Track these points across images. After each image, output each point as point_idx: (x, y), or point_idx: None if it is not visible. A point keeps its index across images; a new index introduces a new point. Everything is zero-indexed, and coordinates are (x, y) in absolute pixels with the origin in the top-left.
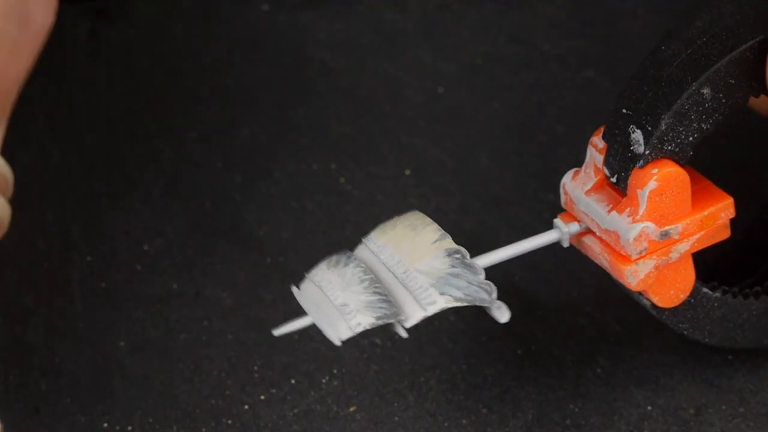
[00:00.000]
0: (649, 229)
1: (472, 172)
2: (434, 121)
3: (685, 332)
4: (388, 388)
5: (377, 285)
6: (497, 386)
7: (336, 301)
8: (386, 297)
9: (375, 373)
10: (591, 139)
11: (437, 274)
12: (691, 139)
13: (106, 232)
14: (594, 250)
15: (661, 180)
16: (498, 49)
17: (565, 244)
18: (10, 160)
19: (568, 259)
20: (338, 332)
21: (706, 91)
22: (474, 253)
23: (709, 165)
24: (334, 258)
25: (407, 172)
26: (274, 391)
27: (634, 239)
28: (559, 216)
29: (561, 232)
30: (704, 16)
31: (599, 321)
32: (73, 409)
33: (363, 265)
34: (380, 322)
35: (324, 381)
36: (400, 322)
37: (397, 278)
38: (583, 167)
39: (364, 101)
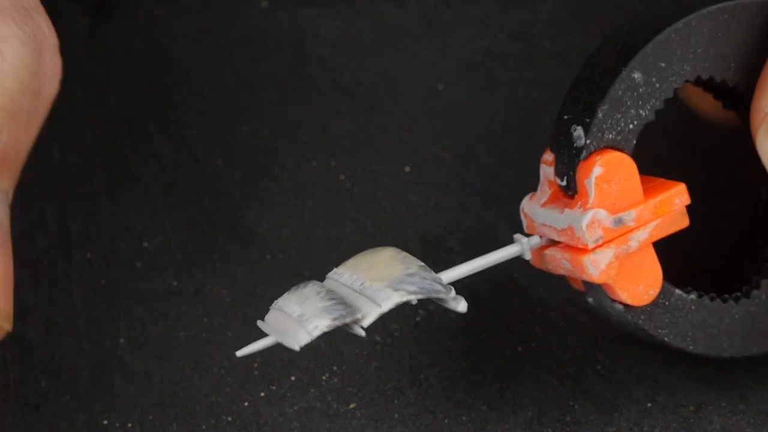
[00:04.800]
0: (600, 215)
1: (472, 169)
2: (434, 117)
3: (666, 338)
4: (388, 385)
5: (333, 293)
6: (497, 383)
7: (294, 314)
8: (342, 301)
9: (375, 370)
10: (542, 158)
11: (393, 278)
12: (631, 126)
13: (106, 230)
14: (555, 257)
15: (605, 165)
16: (498, 46)
17: (527, 256)
18: None
19: None
20: (297, 339)
21: (637, 75)
22: (474, 250)
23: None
24: (295, 286)
25: (407, 168)
26: (274, 388)
27: (587, 226)
28: None
29: (521, 243)
30: (631, 21)
31: (599, 318)
32: (73, 407)
33: (320, 284)
34: (337, 323)
35: (324, 378)
36: (357, 321)
37: (355, 291)
38: (539, 187)
39: (364, 98)
